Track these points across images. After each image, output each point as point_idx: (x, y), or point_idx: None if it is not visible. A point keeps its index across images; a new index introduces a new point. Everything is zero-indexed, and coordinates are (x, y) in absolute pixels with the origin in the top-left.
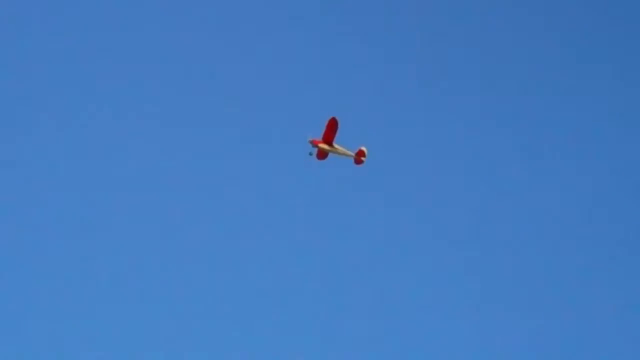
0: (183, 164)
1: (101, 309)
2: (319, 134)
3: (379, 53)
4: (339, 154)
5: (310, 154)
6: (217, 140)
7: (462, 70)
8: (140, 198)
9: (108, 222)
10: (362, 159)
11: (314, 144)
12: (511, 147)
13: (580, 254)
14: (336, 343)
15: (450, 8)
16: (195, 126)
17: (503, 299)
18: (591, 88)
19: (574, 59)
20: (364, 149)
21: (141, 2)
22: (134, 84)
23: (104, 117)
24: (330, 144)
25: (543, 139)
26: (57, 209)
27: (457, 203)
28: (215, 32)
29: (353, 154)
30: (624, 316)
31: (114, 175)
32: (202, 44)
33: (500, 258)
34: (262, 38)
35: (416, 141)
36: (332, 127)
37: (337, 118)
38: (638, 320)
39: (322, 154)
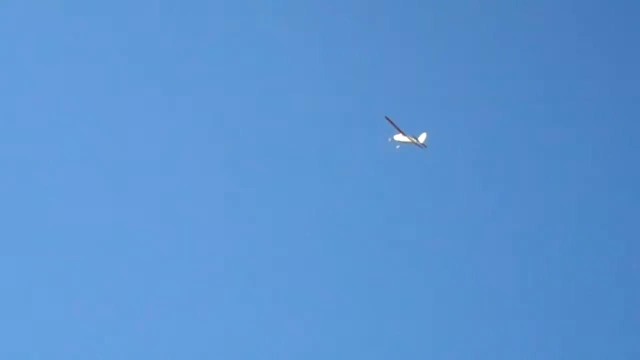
0: None
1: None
2: None
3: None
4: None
5: (398, 147)
6: None
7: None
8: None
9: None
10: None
11: (398, 141)
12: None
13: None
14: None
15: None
16: None
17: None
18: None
19: (574, 59)
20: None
21: None
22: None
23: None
24: (404, 133)
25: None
26: None
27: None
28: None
29: (418, 141)
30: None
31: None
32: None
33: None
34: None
35: None
36: (393, 123)
37: (388, 116)
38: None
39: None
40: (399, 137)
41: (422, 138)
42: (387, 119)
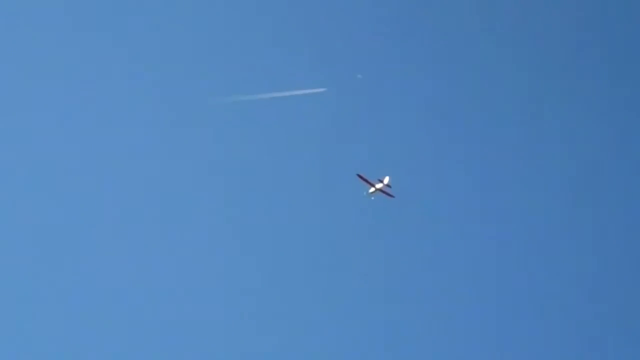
0: None
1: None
2: None
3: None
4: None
5: (373, 198)
6: None
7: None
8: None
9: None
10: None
11: (371, 193)
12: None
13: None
14: None
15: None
16: None
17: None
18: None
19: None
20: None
21: None
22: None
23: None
24: (374, 186)
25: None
26: None
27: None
28: None
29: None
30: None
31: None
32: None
33: None
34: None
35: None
36: (365, 180)
37: (361, 174)
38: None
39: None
40: (372, 190)
41: (386, 180)
42: (360, 176)
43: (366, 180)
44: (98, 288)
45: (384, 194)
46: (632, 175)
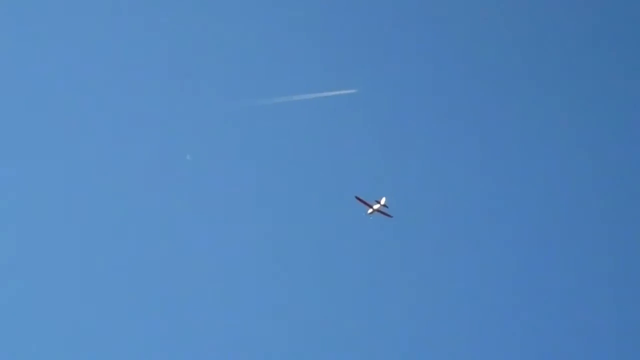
0: None
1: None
2: None
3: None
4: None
5: (371, 218)
6: None
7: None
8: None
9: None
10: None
11: (369, 213)
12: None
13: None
14: None
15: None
16: None
17: None
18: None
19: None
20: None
21: None
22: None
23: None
24: (372, 207)
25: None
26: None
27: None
28: None
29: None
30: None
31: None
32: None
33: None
34: None
35: None
36: (363, 201)
37: (359, 196)
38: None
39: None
40: (370, 210)
41: (383, 201)
42: (358, 198)
43: (364, 202)
44: (99, 288)
45: (382, 214)
46: (632, 175)
